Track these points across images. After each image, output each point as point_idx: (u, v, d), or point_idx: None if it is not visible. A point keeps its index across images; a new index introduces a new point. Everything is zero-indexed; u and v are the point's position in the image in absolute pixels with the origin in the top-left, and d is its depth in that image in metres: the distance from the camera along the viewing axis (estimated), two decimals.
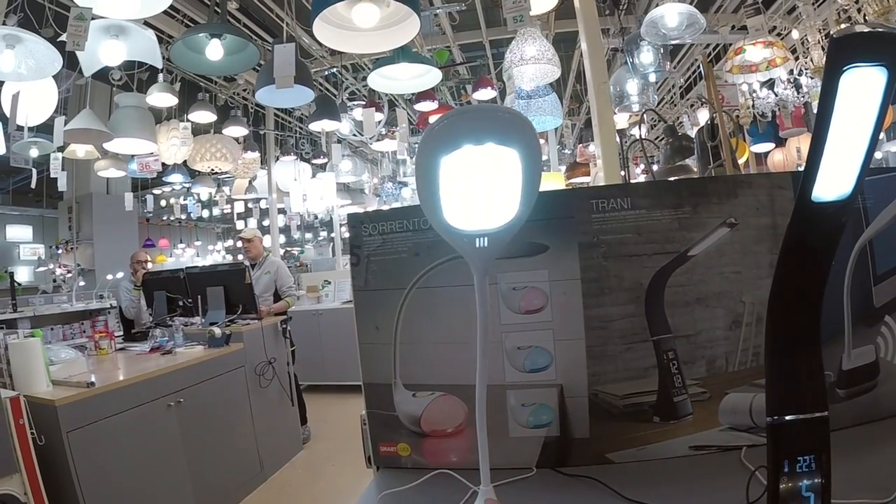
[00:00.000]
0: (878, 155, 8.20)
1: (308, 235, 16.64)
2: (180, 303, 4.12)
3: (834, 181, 0.54)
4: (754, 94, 5.75)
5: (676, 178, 2.12)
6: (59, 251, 10.16)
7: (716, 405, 1.08)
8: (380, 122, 5.04)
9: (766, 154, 6.63)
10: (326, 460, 4.33)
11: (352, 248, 1.13)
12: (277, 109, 7.34)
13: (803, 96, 5.64)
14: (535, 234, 1.06)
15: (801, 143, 6.27)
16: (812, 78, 5.15)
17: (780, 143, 6.47)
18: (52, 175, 4.59)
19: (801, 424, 0.58)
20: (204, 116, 4.81)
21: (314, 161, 7.17)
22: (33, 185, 4.91)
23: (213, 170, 5.29)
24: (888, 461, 0.90)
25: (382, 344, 1.12)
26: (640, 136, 2.28)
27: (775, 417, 0.59)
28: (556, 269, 1.07)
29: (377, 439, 1.15)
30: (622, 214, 1.07)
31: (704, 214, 1.08)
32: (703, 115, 5.26)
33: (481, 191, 0.60)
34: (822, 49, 4.33)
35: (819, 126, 0.52)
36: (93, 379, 2.64)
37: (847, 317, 1.07)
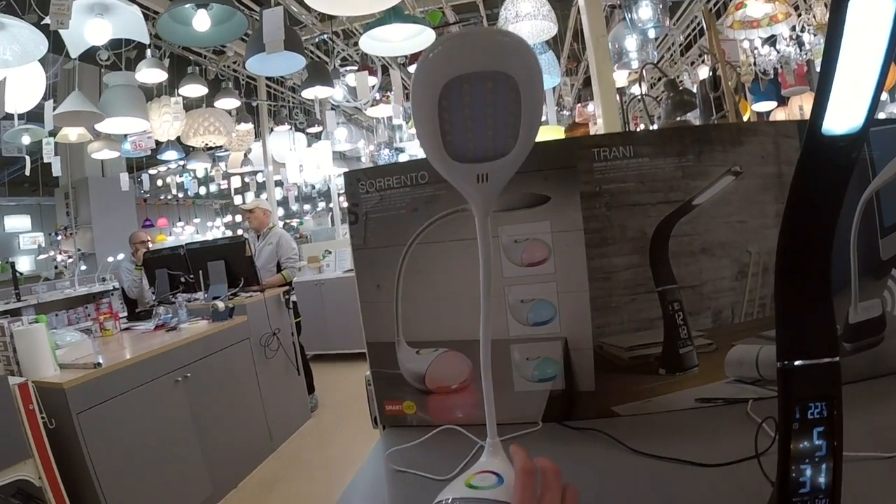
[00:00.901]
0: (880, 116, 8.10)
1: (307, 207, 16.63)
2: (182, 279, 4.14)
3: (844, 113, 0.51)
4: (756, 52, 5.66)
5: (679, 125, 2.08)
6: (59, 237, 10.22)
7: (722, 357, 1.06)
8: (373, 86, 4.98)
9: (769, 113, 6.54)
10: (334, 427, 4.40)
11: (349, 206, 1.11)
12: (269, 80, 7.26)
13: (806, 53, 5.54)
14: (535, 185, 1.04)
15: (803, 102, 6.19)
16: (815, 35, 5.05)
17: (783, 101, 6.39)
18: (45, 160, 4.57)
19: (812, 370, 0.57)
20: (195, 90, 4.76)
21: (309, 130, 7.11)
22: (27, 173, 4.90)
23: (207, 144, 5.25)
24: (895, 416, 0.89)
25: (384, 302, 1.11)
26: (641, 92, 2.24)
27: (785, 362, 0.57)
28: (558, 220, 1.04)
29: (382, 398, 1.15)
30: (625, 163, 1.04)
31: (708, 163, 1.05)
32: (704, 73, 5.17)
33: (481, 122, 0.57)
34: (825, 5, 4.24)
35: (828, 55, 0.50)
36: (99, 359, 2.66)
37: (854, 269, 1.05)
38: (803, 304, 0.58)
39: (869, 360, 1.06)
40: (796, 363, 0.57)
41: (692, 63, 6.89)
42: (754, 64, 5.60)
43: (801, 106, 6.30)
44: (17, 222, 12.88)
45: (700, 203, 1.05)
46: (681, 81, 6.05)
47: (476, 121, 0.57)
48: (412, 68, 4.85)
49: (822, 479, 0.56)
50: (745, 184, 1.05)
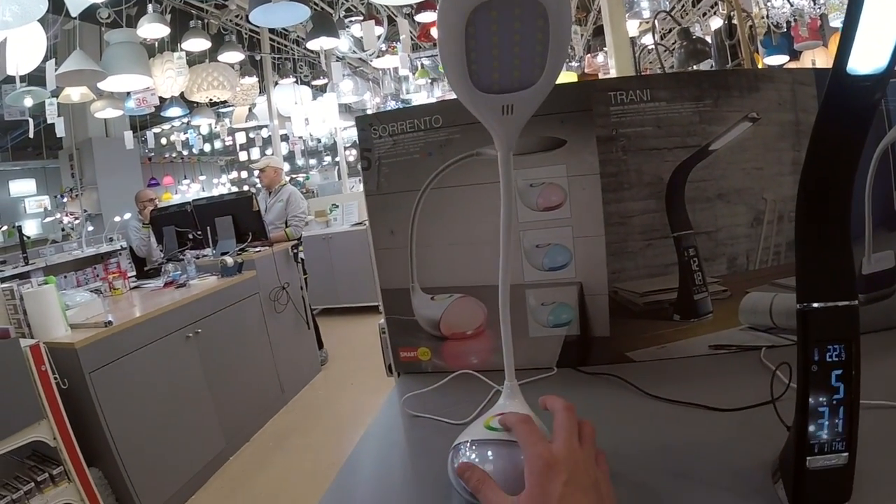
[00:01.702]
0: None
1: (312, 161, 16.49)
2: (190, 236, 4.15)
3: (869, 54, 0.50)
4: (768, 4, 5.51)
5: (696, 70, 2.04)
6: (65, 200, 10.25)
7: (736, 304, 1.06)
8: (380, 36, 4.88)
9: (780, 67, 6.40)
10: (344, 380, 4.48)
11: (362, 151, 1.09)
12: (272, 33, 7.14)
13: (820, 7, 5.39)
14: (552, 128, 1.02)
15: (816, 57, 6.05)
16: None
17: (795, 56, 6.24)
18: (48, 121, 4.56)
19: (831, 312, 0.56)
20: (198, 44, 4.69)
21: (314, 83, 7.01)
22: (31, 135, 4.91)
23: (211, 100, 5.20)
24: None
25: (398, 248, 1.10)
26: (655, 40, 2.18)
27: (804, 305, 0.57)
28: (574, 163, 1.02)
29: (397, 345, 1.15)
30: (642, 107, 1.02)
31: (725, 108, 1.02)
32: (716, 23, 5.05)
33: (508, 50, 0.55)
34: None
35: None
36: (110, 318, 2.69)
37: (868, 220, 1.04)
38: (823, 246, 0.57)
39: (881, 312, 1.05)
40: (815, 305, 0.57)
41: (704, 14, 6.72)
42: (767, 17, 5.46)
43: (813, 60, 6.16)
44: (23, 186, 12.84)
45: (717, 149, 1.03)
46: (692, 32, 5.90)
47: (503, 49, 0.55)
48: (420, 17, 4.74)
49: (839, 422, 0.56)
50: (761, 130, 1.03)
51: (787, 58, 6.18)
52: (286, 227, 4.72)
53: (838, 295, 0.57)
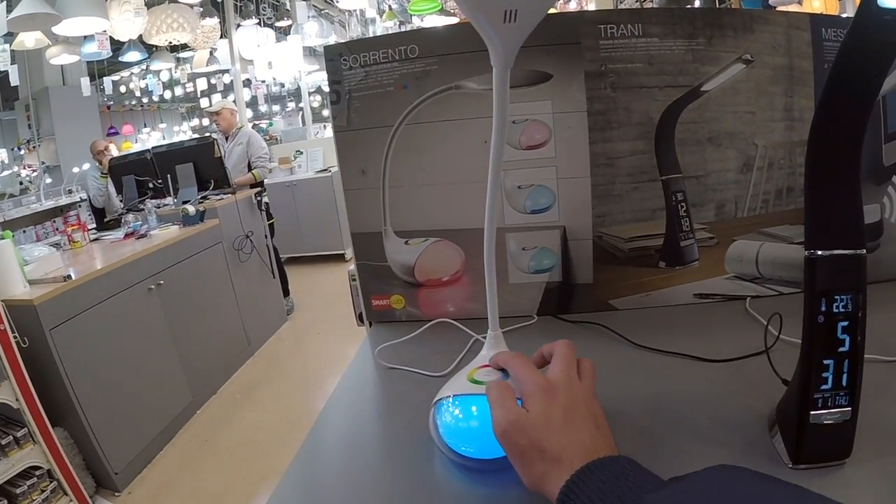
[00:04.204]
0: None
1: (276, 107, 16.11)
2: (150, 184, 4.02)
3: None
4: None
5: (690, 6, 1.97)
6: (22, 152, 9.95)
7: (722, 252, 1.03)
8: None
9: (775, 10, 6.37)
10: (311, 329, 4.48)
11: (331, 83, 1.00)
12: None
13: None
14: (537, 61, 0.94)
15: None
16: None
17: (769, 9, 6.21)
18: (1, 69, 4.30)
19: (839, 261, 0.54)
20: None
21: (278, 24, 6.75)
22: None
23: (171, 43, 4.99)
24: (892, 322, 0.86)
25: (370, 189, 1.03)
26: None
27: (812, 252, 0.54)
28: (560, 99, 0.96)
29: (368, 293, 1.09)
30: (633, 42, 0.95)
31: (719, 48, 0.97)
32: None
33: None
34: None
35: None
36: (70, 272, 2.59)
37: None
38: (834, 192, 0.54)
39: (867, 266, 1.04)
40: (824, 253, 0.54)
41: None
42: None
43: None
44: None
45: (709, 90, 0.98)
46: None
47: None
48: None
49: (844, 375, 0.54)
50: (755, 73, 0.98)
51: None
52: (250, 170, 4.63)
53: (847, 243, 0.54)
